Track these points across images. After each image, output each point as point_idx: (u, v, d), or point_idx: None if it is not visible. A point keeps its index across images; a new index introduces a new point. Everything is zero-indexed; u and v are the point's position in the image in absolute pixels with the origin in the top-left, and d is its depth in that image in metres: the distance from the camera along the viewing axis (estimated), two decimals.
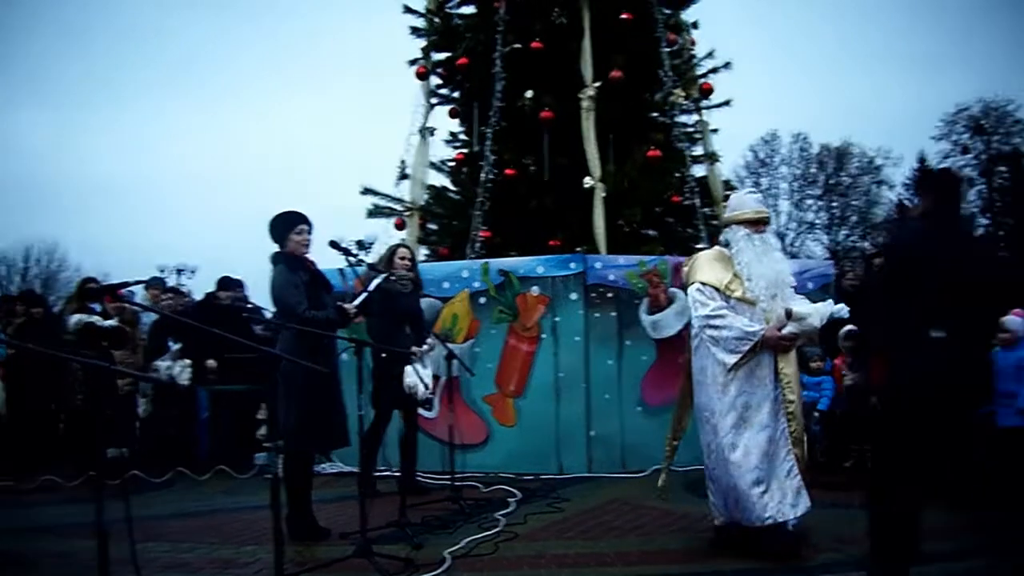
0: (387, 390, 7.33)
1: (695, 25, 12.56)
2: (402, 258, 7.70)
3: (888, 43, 63.93)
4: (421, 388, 7.16)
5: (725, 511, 5.63)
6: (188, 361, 9.73)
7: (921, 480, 4.23)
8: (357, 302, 6.27)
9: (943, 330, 4.03)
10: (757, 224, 5.74)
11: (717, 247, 6.02)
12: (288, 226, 6.11)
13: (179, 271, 23.08)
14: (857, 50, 65.11)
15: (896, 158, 47.60)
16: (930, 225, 4.58)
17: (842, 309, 5.83)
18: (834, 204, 46.78)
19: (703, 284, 5.66)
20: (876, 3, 64.33)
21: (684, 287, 6.21)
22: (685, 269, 6.13)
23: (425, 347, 7.56)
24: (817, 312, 5.60)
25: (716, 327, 5.51)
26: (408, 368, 7.17)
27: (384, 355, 7.28)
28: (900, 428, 4.30)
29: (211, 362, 9.73)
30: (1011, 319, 7.97)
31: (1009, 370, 7.70)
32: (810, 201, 47.17)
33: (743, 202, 5.90)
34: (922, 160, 46.12)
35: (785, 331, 5.49)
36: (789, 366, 5.63)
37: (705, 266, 5.78)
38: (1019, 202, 44.22)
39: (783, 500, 5.43)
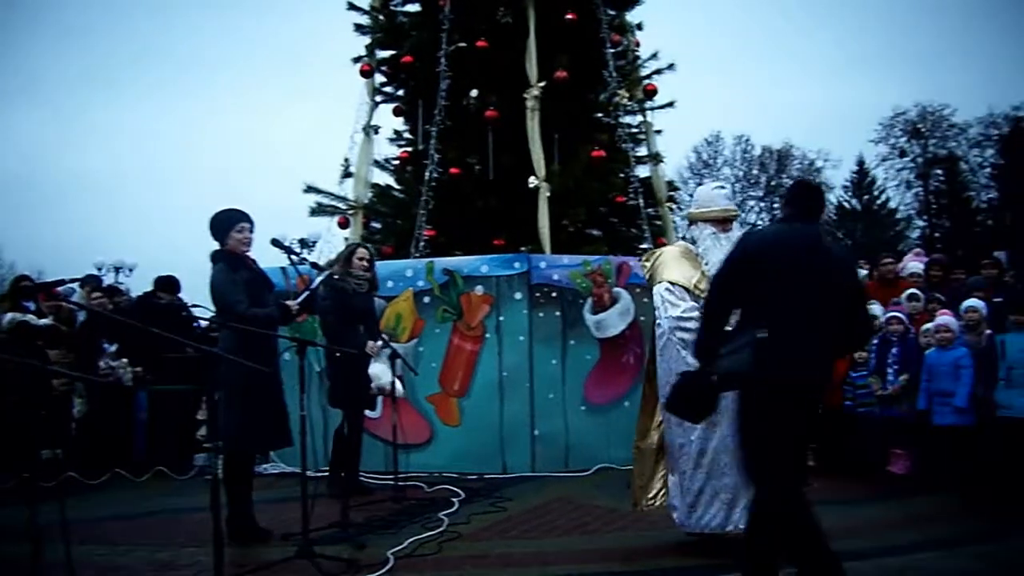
0: (348, 389, 7.31)
1: (639, 27, 12.62)
2: (360, 258, 7.65)
3: (828, 47, 65.01)
4: (398, 384, 7.34)
5: (686, 515, 5.47)
6: (125, 360, 9.57)
7: (764, 473, 4.27)
8: (299, 300, 6.21)
9: (766, 330, 4.09)
10: (724, 223, 5.61)
11: (683, 243, 5.96)
12: (229, 224, 6.02)
13: (117, 269, 22.62)
14: (798, 54, 66.06)
15: (836, 161, 48.34)
16: (774, 230, 4.72)
17: None
18: (775, 205, 47.36)
19: (672, 284, 5.50)
20: (818, 7, 65.26)
21: (648, 284, 5.94)
22: (647, 265, 5.92)
23: (379, 343, 7.53)
24: None
25: (688, 329, 5.26)
26: (379, 366, 7.21)
27: (338, 355, 7.25)
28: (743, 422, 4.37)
29: (137, 370, 9.56)
30: (946, 319, 8.14)
31: (946, 369, 7.85)
32: (752, 202, 47.78)
33: (711, 198, 5.70)
34: (860, 163, 46.97)
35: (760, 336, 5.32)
36: None
37: (672, 264, 5.62)
38: (955, 204, 45.14)
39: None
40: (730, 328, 4.31)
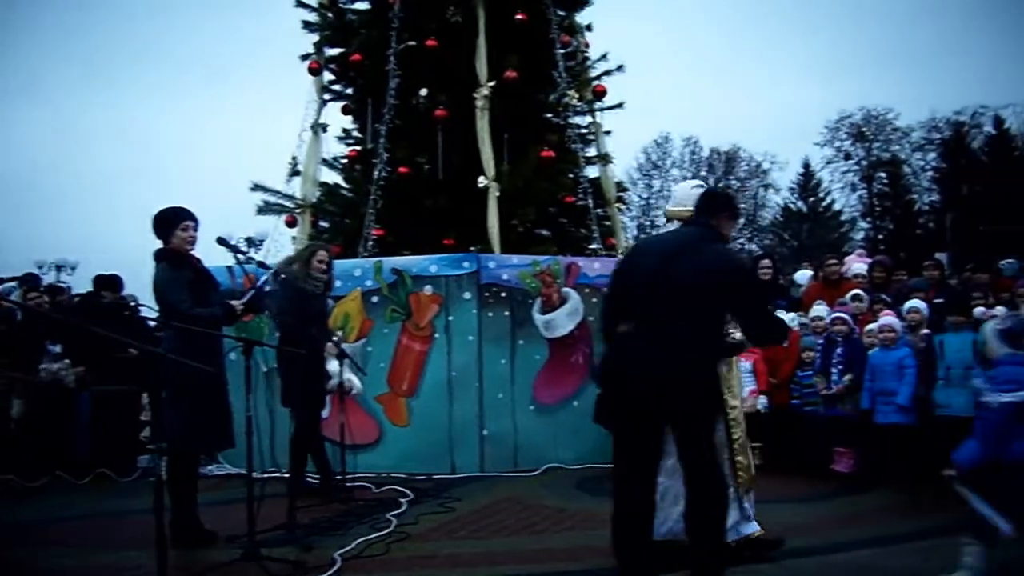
0: (303, 389, 7.23)
1: (589, 27, 12.66)
2: (320, 261, 7.55)
3: (775, 51, 65.73)
4: (356, 383, 7.44)
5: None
6: (68, 361, 9.39)
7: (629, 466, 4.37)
8: (245, 300, 6.13)
9: (630, 326, 4.22)
10: None
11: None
12: (173, 222, 5.93)
13: (59, 267, 22.23)
14: (746, 57, 66.73)
15: (782, 163, 48.93)
16: (651, 236, 4.89)
17: (795, 319, 5.71)
18: None
19: None
20: (764, 11, 65.98)
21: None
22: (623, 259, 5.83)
23: (335, 339, 7.47)
24: None
25: None
26: (334, 365, 7.25)
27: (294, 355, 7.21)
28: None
29: (79, 370, 9.37)
30: (889, 319, 8.27)
31: (889, 369, 7.97)
32: None
33: (688, 196, 5.43)
34: (806, 165, 47.60)
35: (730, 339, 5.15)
36: (730, 371, 5.46)
37: None
38: (897, 207, 45.90)
39: None
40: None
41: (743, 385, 8.80)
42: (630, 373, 4.26)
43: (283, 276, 7.22)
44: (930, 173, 45.31)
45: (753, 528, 5.37)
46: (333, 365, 7.48)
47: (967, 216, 40.30)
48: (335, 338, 7.71)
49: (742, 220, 47.79)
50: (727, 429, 5.32)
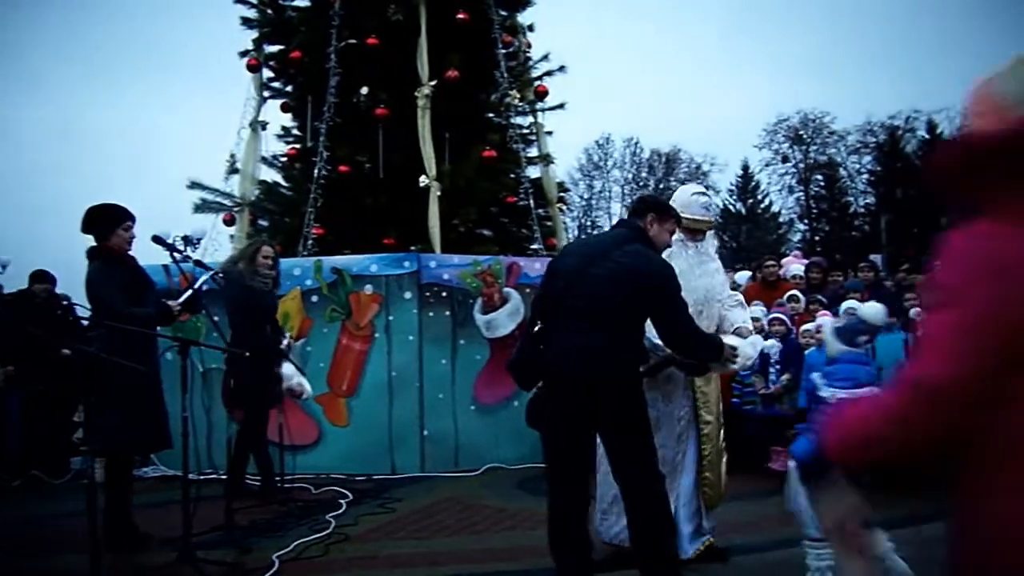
0: (254, 389, 7.15)
1: (531, 28, 12.70)
2: (265, 256, 7.46)
3: (716, 53, 66.50)
4: (307, 387, 7.31)
5: (599, 522, 5.33)
6: None
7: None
8: (181, 300, 6.04)
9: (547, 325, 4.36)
10: (695, 232, 5.40)
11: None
12: (116, 221, 5.80)
13: None
14: (687, 59, 67.45)
15: (721, 164, 49.54)
16: (576, 240, 4.98)
17: (773, 346, 5.61)
18: None
19: None
20: (705, 15, 66.75)
21: None
22: None
23: (286, 340, 7.39)
24: (752, 345, 5.19)
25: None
26: (289, 367, 7.17)
27: (248, 353, 7.10)
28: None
29: (9, 369, 9.15)
30: (823, 320, 8.40)
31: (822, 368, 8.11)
32: None
33: (687, 204, 5.37)
34: (745, 168, 48.24)
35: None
36: (708, 384, 5.39)
37: None
38: (833, 209, 46.71)
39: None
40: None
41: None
42: (549, 372, 4.33)
43: (228, 276, 7.13)
44: (865, 176, 46.24)
45: (704, 540, 5.36)
46: (287, 367, 7.39)
47: (901, 218, 41.16)
48: (286, 340, 7.63)
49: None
50: (697, 444, 5.32)
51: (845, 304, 8.65)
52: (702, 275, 5.33)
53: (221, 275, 7.00)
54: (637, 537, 4.40)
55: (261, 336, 7.22)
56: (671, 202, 5.21)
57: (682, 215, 5.08)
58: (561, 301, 4.33)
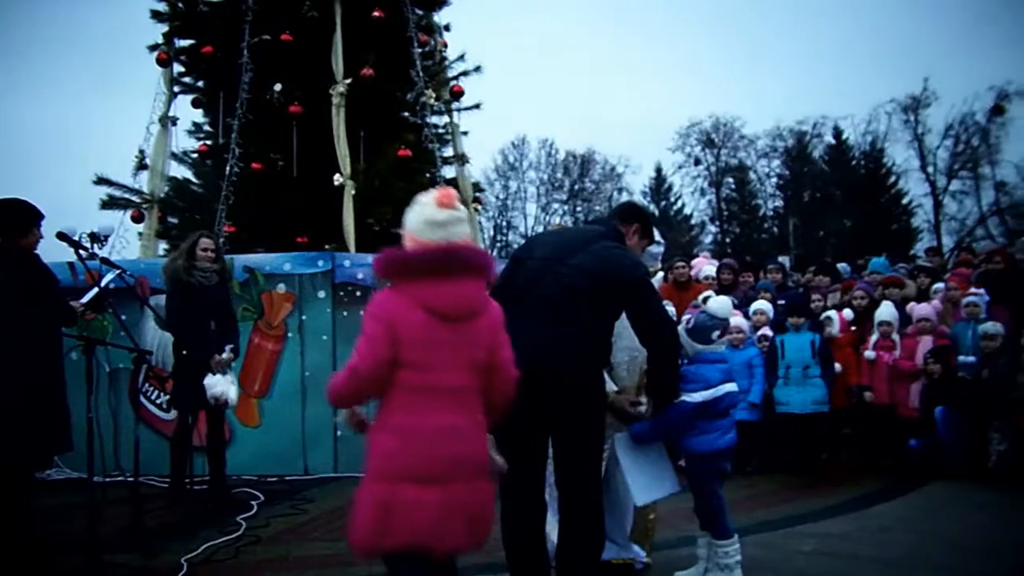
0: (190, 390, 6.99)
1: (447, 28, 12.73)
2: (204, 249, 7.21)
3: (630, 56, 67.23)
4: (232, 394, 7.05)
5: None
6: None
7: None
8: (86, 299, 5.88)
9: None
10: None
11: None
12: (32, 221, 5.55)
13: None
14: (600, 62, 68.04)
15: (635, 167, 50.12)
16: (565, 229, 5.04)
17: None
18: (579, 209, 48.65)
19: None
20: (620, 15, 67.41)
21: None
22: None
23: (227, 355, 7.18)
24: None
25: None
26: (214, 377, 6.93)
27: (185, 352, 7.00)
28: None
29: None
30: (738, 320, 8.57)
31: (739, 368, 8.26)
32: (556, 205, 48.88)
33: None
34: (659, 170, 48.85)
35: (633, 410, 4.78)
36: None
37: None
38: (744, 211, 47.59)
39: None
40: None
41: None
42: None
43: (166, 273, 6.97)
44: (774, 180, 47.20)
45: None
46: (211, 379, 7.03)
47: (808, 221, 42.18)
48: (227, 351, 7.34)
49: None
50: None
51: (755, 305, 8.85)
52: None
53: (122, 270, 6.82)
54: (568, 547, 4.27)
55: (203, 334, 7.06)
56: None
57: None
58: (527, 290, 4.25)
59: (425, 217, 3.23)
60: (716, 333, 4.76)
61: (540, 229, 47.78)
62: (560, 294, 4.22)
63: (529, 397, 3.93)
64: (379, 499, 3.14)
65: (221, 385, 6.96)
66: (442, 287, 3.19)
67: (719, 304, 4.91)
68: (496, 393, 3.41)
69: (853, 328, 8.68)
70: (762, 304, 8.84)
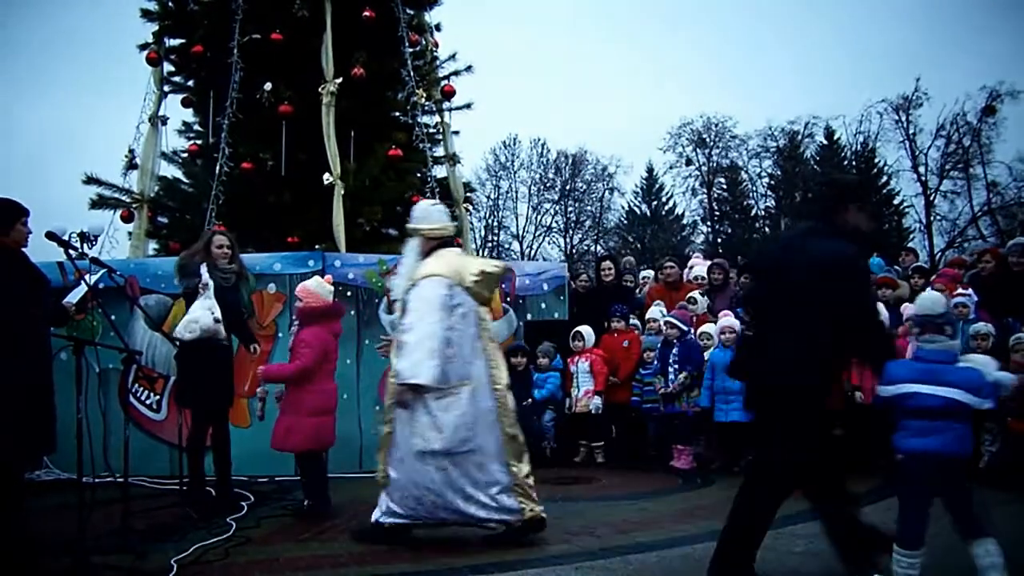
0: (198, 390, 6.96)
1: (438, 27, 12.72)
2: (219, 246, 7.13)
3: (619, 58, 67.23)
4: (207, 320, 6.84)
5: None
6: None
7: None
8: (74, 298, 5.84)
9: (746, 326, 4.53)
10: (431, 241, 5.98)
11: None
12: (16, 215, 5.52)
13: None
14: (592, 62, 68.03)
15: (627, 166, 50.11)
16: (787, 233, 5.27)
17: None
18: (570, 209, 48.64)
19: None
20: (612, 18, 67.45)
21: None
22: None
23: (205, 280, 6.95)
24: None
25: None
26: (200, 306, 6.81)
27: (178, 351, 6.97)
28: None
29: None
30: (730, 320, 8.57)
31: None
32: (547, 205, 48.84)
33: (426, 215, 6.12)
34: (650, 170, 48.85)
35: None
36: (388, 397, 5.88)
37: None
38: (736, 211, 47.63)
39: None
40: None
41: (580, 385, 9.05)
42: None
43: (186, 269, 6.95)
44: (766, 180, 47.24)
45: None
46: (196, 309, 6.85)
47: (801, 221, 42.14)
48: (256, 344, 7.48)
49: (588, 222, 48.71)
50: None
51: None
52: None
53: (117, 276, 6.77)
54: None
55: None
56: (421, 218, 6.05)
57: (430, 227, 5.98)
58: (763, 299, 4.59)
59: (324, 290, 6.88)
60: (916, 331, 4.70)
61: (531, 229, 47.87)
62: (781, 303, 4.59)
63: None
64: (312, 424, 6.77)
65: (207, 317, 6.78)
66: (336, 323, 7.03)
67: (930, 300, 4.81)
68: None
69: None
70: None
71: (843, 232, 4.54)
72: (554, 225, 48.76)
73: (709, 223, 48.17)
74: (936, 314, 4.54)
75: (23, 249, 5.66)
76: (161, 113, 11.52)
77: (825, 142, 45.62)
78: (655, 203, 49.44)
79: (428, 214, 6.08)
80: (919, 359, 4.48)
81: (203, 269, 6.86)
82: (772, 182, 47.01)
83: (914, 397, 4.37)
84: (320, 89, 10.39)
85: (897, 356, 4.58)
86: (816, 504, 4.70)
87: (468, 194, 12.99)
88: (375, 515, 5.83)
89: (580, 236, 48.97)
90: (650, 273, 12.11)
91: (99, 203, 11.04)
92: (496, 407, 5.67)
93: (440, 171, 11.93)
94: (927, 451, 4.33)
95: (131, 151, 11.26)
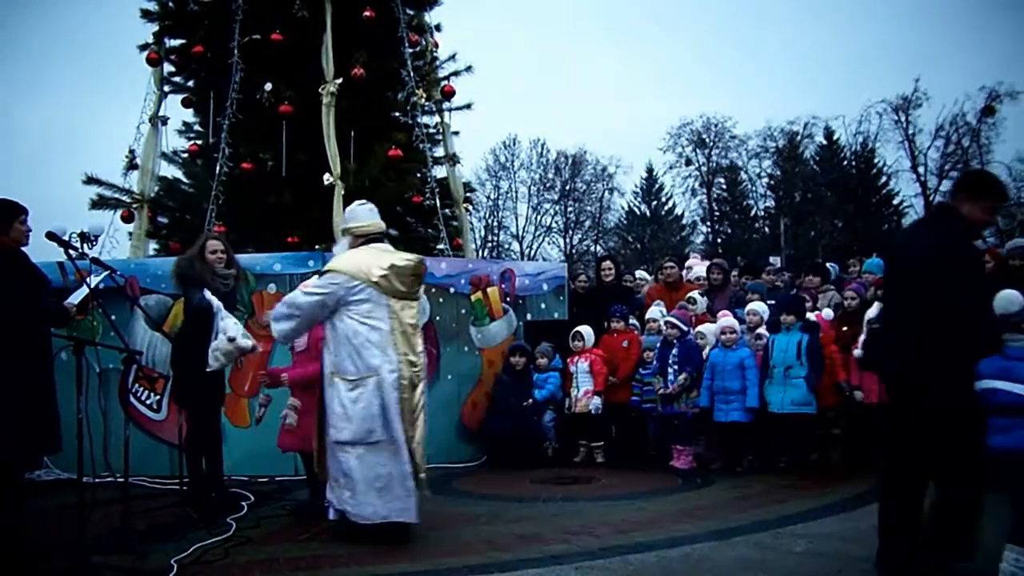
0: (195, 390, 6.95)
1: (438, 27, 12.72)
2: (214, 252, 7.02)
3: (619, 59, 67.27)
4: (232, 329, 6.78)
5: None
6: None
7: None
8: (75, 300, 5.84)
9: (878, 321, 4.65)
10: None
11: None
12: (13, 214, 5.52)
13: None
14: (592, 62, 68.06)
15: (626, 167, 50.14)
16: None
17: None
18: (570, 209, 48.66)
19: None
20: (612, 19, 67.48)
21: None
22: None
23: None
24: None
25: None
26: (230, 320, 6.77)
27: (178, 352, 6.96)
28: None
29: None
30: (730, 320, 8.57)
31: (730, 368, 8.25)
32: (547, 205, 48.87)
33: (355, 214, 6.38)
34: (650, 170, 48.88)
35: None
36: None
37: None
38: (735, 212, 47.64)
39: None
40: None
41: (579, 385, 9.05)
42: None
43: (186, 276, 6.89)
44: (766, 180, 47.26)
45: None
46: (227, 320, 6.78)
47: (800, 221, 42.23)
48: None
49: (588, 222, 48.67)
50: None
51: (750, 305, 8.84)
52: None
53: (119, 273, 6.77)
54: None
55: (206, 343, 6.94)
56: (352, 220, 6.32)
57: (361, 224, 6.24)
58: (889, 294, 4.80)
59: None
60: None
61: (531, 229, 47.89)
62: (898, 292, 4.93)
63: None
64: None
65: (236, 328, 6.74)
66: None
67: (1007, 298, 4.82)
68: None
69: (844, 328, 8.66)
70: (757, 305, 8.82)
71: (956, 222, 4.75)
72: (554, 225, 48.90)
73: (709, 223, 48.25)
74: (1012, 312, 4.60)
75: (23, 249, 5.68)
76: (161, 113, 11.53)
77: (825, 142, 45.67)
78: (655, 203, 49.51)
79: (355, 214, 6.34)
80: (1006, 356, 4.51)
81: (208, 294, 6.85)
82: (772, 182, 47.06)
83: (996, 394, 4.42)
84: (320, 89, 10.39)
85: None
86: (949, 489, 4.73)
87: (468, 194, 12.99)
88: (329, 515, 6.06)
89: (580, 236, 49.08)
90: (643, 273, 12.13)
91: (99, 203, 11.05)
92: (399, 398, 5.79)
93: (440, 171, 11.95)
94: (1008, 448, 4.37)
95: (131, 151, 11.27)
